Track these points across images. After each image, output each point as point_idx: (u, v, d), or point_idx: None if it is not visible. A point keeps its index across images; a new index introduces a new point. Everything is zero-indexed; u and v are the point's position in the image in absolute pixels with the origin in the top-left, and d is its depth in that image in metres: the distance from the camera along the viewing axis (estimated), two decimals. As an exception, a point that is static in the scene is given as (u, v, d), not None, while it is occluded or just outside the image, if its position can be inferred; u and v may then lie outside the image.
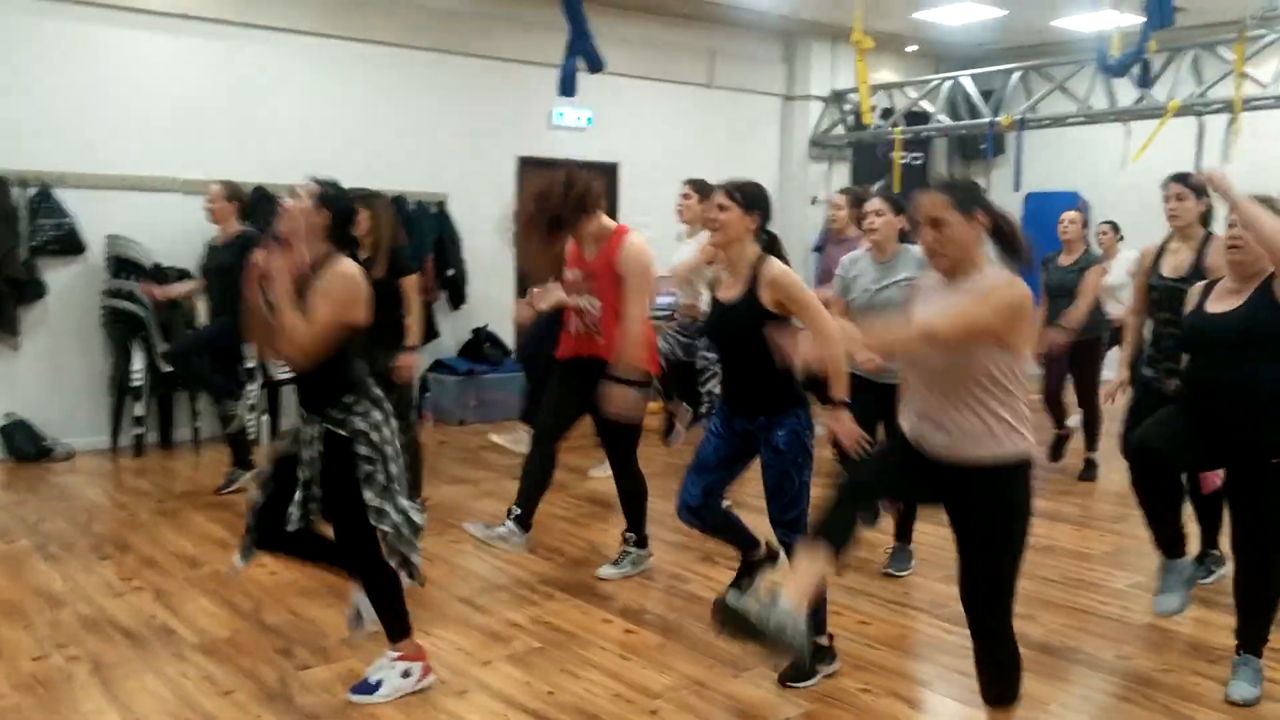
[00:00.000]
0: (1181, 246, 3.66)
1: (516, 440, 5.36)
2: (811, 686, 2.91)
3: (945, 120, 8.39)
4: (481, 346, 7.36)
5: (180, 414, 6.32)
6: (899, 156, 8.27)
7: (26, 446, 5.77)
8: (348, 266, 2.70)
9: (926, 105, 8.58)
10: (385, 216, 4.26)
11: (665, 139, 8.21)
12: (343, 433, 2.65)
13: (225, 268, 4.65)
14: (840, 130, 9.01)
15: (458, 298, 7.35)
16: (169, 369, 5.76)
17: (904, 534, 3.95)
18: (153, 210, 6.10)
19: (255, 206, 5.72)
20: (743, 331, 2.85)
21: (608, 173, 7.83)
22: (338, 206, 2.76)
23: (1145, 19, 5.28)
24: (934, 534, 4.40)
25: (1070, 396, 5.55)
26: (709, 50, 8.53)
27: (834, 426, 2.94)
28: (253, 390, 6.14)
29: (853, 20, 6.22)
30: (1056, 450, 5.59)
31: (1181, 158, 6.24)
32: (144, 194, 6.14)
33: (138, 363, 5.93)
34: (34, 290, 5.81)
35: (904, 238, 3.48)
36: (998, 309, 2.11)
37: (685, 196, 5.10)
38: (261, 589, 3.68)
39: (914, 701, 2.89)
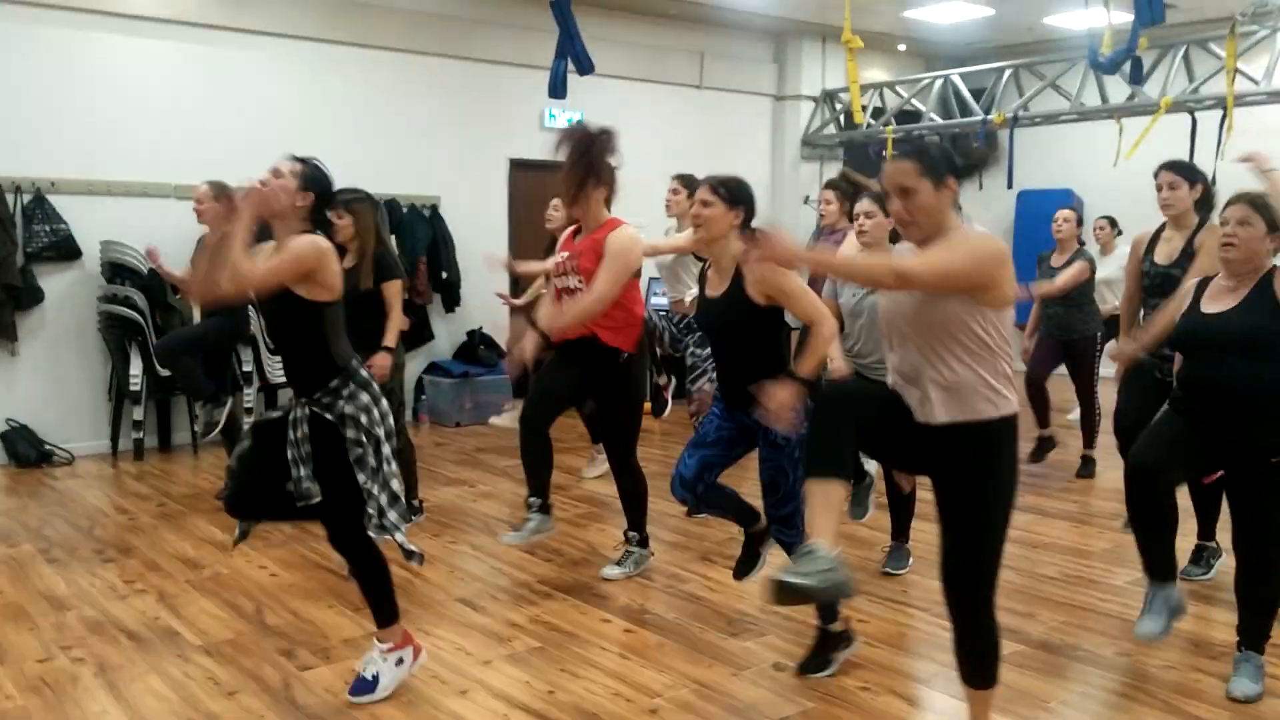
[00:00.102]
0: (1175, 234, 3.62)
1: (514, 418, 5.39)
2: (832, 674, 2.95)
3: (937, 119, 8.42)
4: (476, 349, 7.39)
5: (179, 418, 6.34)
6: (891, 156, 8.30)
7: (27, 452, 5.79)
8: (318, 238, 2.65)
9: (918, 104, 8.62)
10: (368, 220, 4.25)
11: (656, 140, 8.22)
12: (329, 417, 2.64)
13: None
14: (831, 130, 9.04)
15: (452, 300, 7.37)
16: (163, 371, 5.76)
17: (901, 532, 3.98)
18: (147, 215, 6.12)
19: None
20: (732, 326, 2.87)
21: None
22: (321, 189, 2.73)
23: (1135, 16, 5.31)
24: (931, 532, 4.41)
25: (1064, 396, 5.56)
26: (699, 51, 8.56)
27: (773, 393, 2.80)
28: (249, 394, 6.17)
29: (842, 20, 6.24)
30: (1039, 452, 5.50)
31: (1174, 155, 6.25)
32: (138, 199, 6.16)
33: (136, 367, 5.94)
34: (31, 296, 5.83)
35: (896, 238, 3.51)
36: (972, 256, 2.05)
37: (674, 192, 5.13)
38: (263, 591, 3.71)
39: (913, 699, 2.92)
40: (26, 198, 5.82)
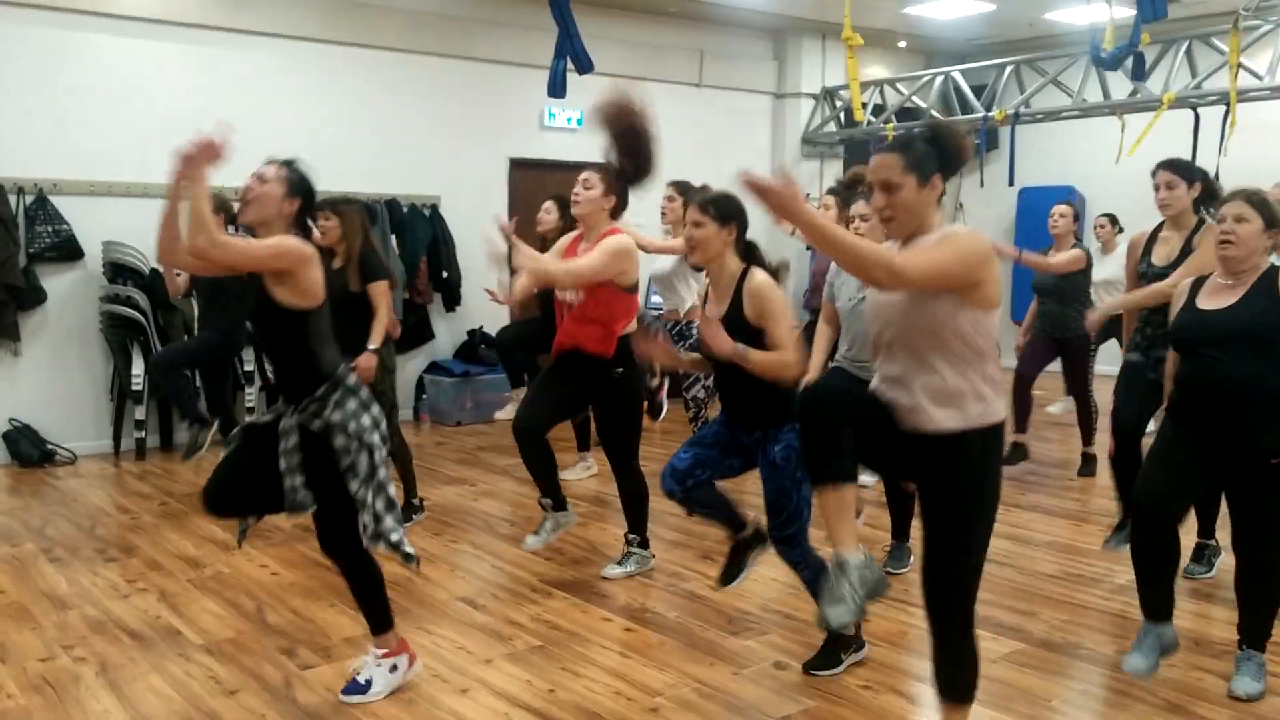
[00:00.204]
0: (1172, 234, 3.56)
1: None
2: (838, 674, 2.95)
3: (938, 116, 8.39)
4: (476, 348, 7.39)
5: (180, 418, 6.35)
6: (877, 149, 8.28)
7: (29, 451, 5.80)
8: (303, 241, 2.62)
9: (919, 101, 8.60)
10: (355, 222, 4.25)
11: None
12: (316, 426, 2.61)
13: (214, 281, 4.62)
14: (832, 128, 9.03)
15: (452, 300, 7.37)
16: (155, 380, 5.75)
17: (902, 531, 3.98)
18: (149, 216, 6.01)
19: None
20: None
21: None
22: (306, 192, 2.69)
23: (1137, 11, 5.30)
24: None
25: (1045, 385, 5.49)
26: (698, 49, 8.55)
27: (708, 330, 2.78)
28: (250, 393, 6.19)
29: (842, 17, 6.24)
30: (1010, 458, 5.35)
31: (1177, 150, 6.20)
32: (140, 200, 6.17)
33: (138, 367, 5.95)
34: (34, 297, 5.84)
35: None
36: (960, 254, 1.99)
37: (669, 199, 5.11)
38: (264, 590, 3.71)
39: (914, 697, 2.92)
40: (29, 198, 5.83)
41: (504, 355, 5.62)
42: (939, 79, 8.45)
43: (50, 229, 5.85)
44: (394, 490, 2.74)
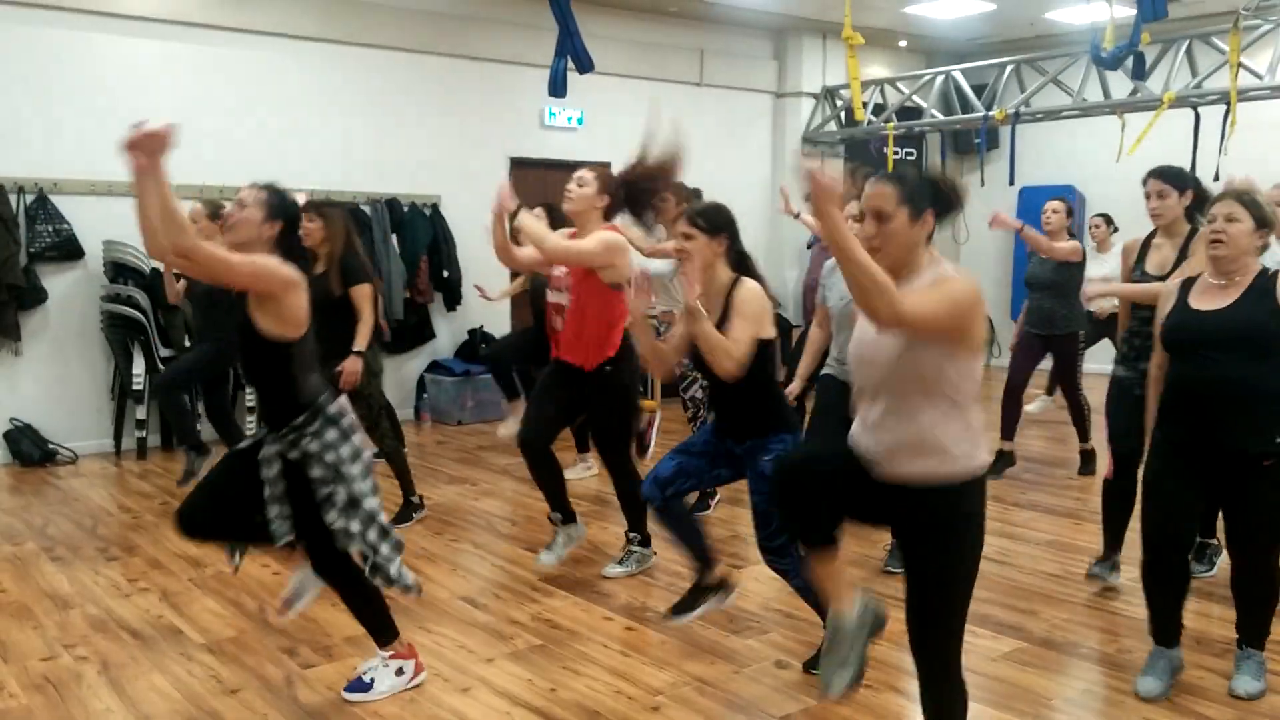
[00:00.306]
0: (1165, 242, 3.51)
1: (519, 417, 5.40)
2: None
3: (938, 115, 8.41)
4: (477, 347, 7.40)
5: (181, 417, 6.35)
6: (892, 152, 8.29)
7: (31, 451, 5.81)
8: (291, 268, 2.58)
9: (919, 100, 8.60)
10: (338, 225, 4.24)
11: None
12: (294, 455, 2.59)
13: (211, 291, 4.60)
14: (832, 127, 9.03)
15: (453, 299, 7.38)
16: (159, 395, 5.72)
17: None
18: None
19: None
20: None
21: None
22: (287, 214, 2.65)
23: (1138, 10, 5.29)
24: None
25: (1033, 396, 5.46)
26: (699, 48, 8.55)
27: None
28: (250, 394, 6.19)
29: (843, 16, 6.23)
30: (996, 467, 5.27)
31: (1178, 150, 6.26)
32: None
33: (138, 366, 5.96)
34: (34, 296, 5.84)
35: None
36: (954, 301, 1.94)
37: (661, 200, 5.10)
38: (266, 589, 3.72)
39: (914, 696, 2.87)
40: (29, 198, 5.84)
41: (494, 370, 5.61)
42: (939, 78, 8.45)
43: (51, 228, 5.86)
44: (385, 517, 2.70)
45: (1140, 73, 6.41)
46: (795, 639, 3.24)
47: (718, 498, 4.78)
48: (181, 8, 6.27)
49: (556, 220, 4.65)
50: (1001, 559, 4.10)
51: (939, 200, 2.05)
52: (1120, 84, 7.24)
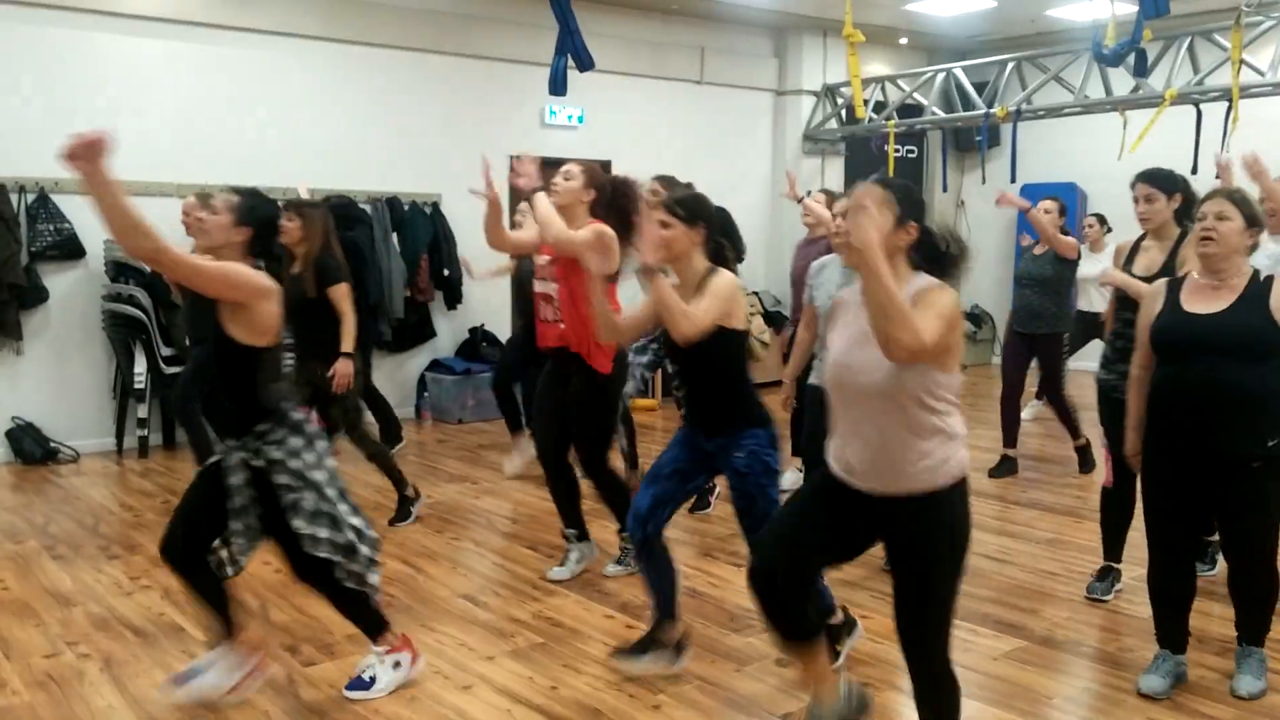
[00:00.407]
0: (1154, 245, 3.47)
1: (523, 452, 5.42)
2: (839, 667, 2.94)
3: (939, 113, 8.40)
4: (478, 346, 7.40)
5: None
6: (893, 150, 8.28)
7: (33, 449, 5.81)
8: (261, 275, 2.56)
9: (920, 98, 8.59)
10: (317, 226, 4.22)
11: (657, 136, 8.24)
12: (258, 463, 2.57)
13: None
14: (833, 125, 9.02)
15: (454, 298, 7.38)
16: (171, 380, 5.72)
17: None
18: (151, 214, 6.01)
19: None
20: (696, 349, 2.75)
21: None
22: (259, 219, 2.62)
23: (1139, 7, 5.28)
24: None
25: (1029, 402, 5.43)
26: (699, 46, 8.55)
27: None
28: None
29: (843, 14, 6.23)
30: (1000, 469, 5.38)
31: (1179, 147, 6.26)
32: (141, 198, 6.14)
33: (140, 365, 5.96)
34: (36, 295, 5.85)
35: None
36: (946, 320, 1.95)
37: (654, 193, 5.08)
38: (268, 587, 3.72)
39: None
40: (30, 197, 5.84)
41: (499, 400, 5.53)
42: (940, 76, 8.44)
43: (52, 227, 5.86)
44: (360, 519, 2.68)
45: (1142, 70, 6.40)
46: (796, 637, 3.24)
47: (716, 491, 4.77)
48: (182, 7, 6.27)
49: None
50: (1002, 558, 4.10)
51: (918, 215, 2.06)
52: (1122, 81, 7.24)
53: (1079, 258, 5.26)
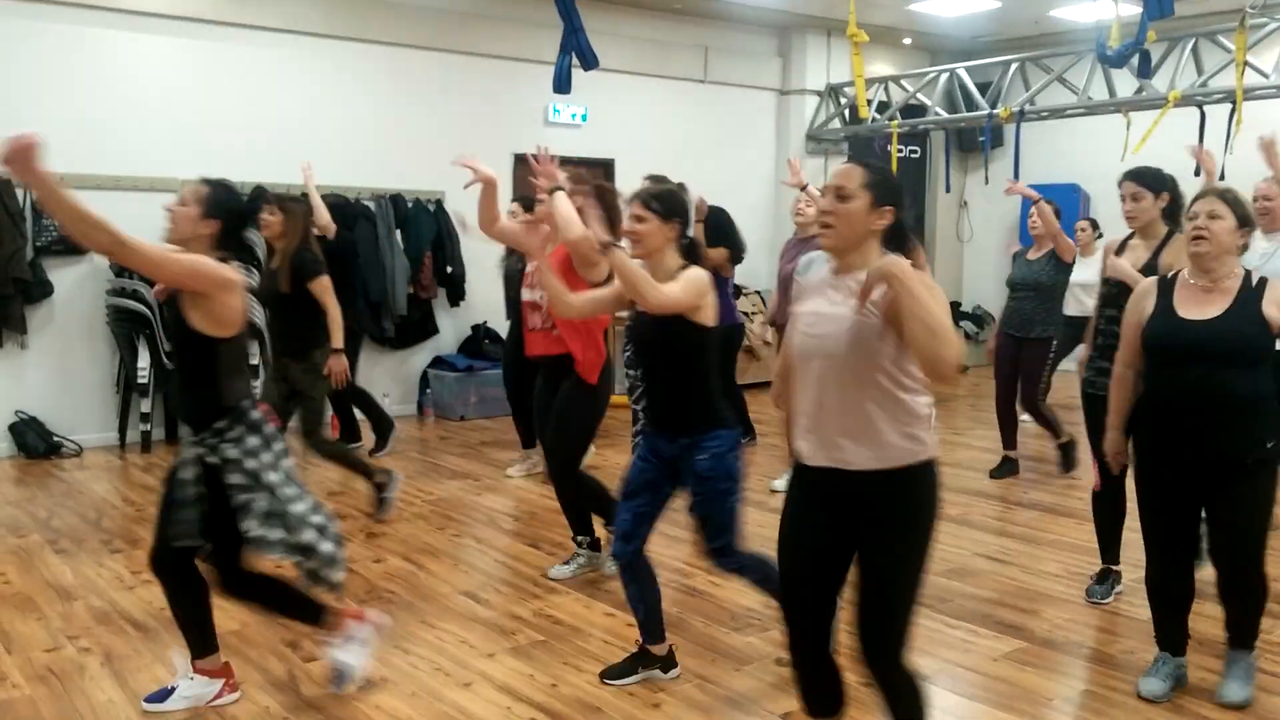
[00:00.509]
0: (1140, 244, 3.45)
1: (532, 466, 5.42)
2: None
3: (942, 113, 8.40)
4: (481, 343, 7.40)
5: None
6: (897, 150, 8.28)
7: (36, 443, 5.83)
8: (227, 267, 2.53)
9: (923, 98, 8.59)
10: (296, 224, 4.18)
11: (660, 135, 8.24)
12: (213, 460, 2.53)
13: None
14: (836, 124, 9.02)
15: (456, 295, 7.39)
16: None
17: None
18: (155, 211, 6.07)
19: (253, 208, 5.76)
20: (662, 344, 2.75)
21: (603, 169, 7.86)
22: (227, 212, 2.59)
23: (1143, 8, 5.28)
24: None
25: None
26: (703, 45, 8.55)
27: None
28: (256, 386, 6.20)
29: (847, 14, 6.23)
30: (1001, 470, 5.39)
31: (1182, 149, 6.23)
32: (146, 194, 6.17)
33: (143, 360, 5.97)
34: (40, 290, 5.86)
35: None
36: (940, 303, 1.92)
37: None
38: (269, 584, 3.73)
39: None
40: (34, 193, 5.84)
41: (515, 416, 5.50)
42: (944, 76, 8.43)
43: (56, 222, 5.87)
44: (321, 517, 2.64)
45: (1145, 71, 6.40)
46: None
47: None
48: (187, 4, 6.28)
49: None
50: (1003, 558, 4.10)
51: (899, 201, 2.05)
52: (1125, 82, 7.22)
53: (1074, 262, 5.26)
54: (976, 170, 9.76)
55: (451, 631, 3.32)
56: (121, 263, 2.40)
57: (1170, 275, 2.81)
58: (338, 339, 4.21)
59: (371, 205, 6.90)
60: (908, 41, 9.39)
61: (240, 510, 2.52)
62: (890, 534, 2.03)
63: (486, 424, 6.92)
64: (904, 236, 2.06)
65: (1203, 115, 6.69)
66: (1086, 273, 5.75)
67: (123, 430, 6.14)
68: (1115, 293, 3.42)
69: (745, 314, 7.51)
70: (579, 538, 3.85)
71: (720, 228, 6.41)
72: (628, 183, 3.76)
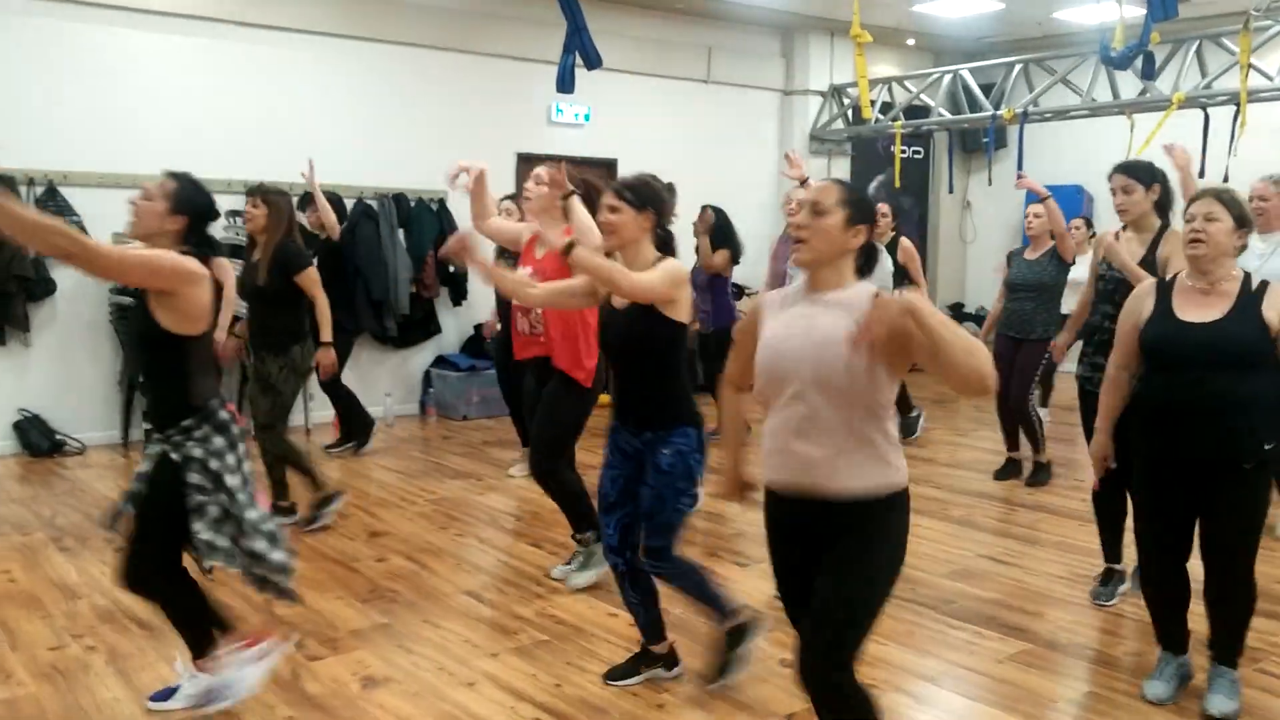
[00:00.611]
0: (1134, 238, 3.43)
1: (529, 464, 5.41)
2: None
3: (946, 114, 8.39)
4: (483, 342, 7.40)
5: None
6: (900, 151, 8.28)
7: (39, 441, 5.83)
8: (191, 260, 2.47)
9: (927, 99, 8.59)
10: (279, 217, 4.11)
11: (663, 135, 8.24)
12: (176, 457, 2.48)
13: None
14: (839, 125, 9.02)
15: (459, 294, 7.39)
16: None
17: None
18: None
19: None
20: (634, 338, 2.72)
21: (606, 168, 7.86)
22: (194, 208, 2.54)
23: (1147, 10, 5.28)
24: (939, 529, 4.44)
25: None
26: (706, 45, 8.55)
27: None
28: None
29: (851, 14, 6.23)
30: (1003, 472, 5.39)
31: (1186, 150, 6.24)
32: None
33: (145, 359, 5.98)
34: (43, 288, 5.87)
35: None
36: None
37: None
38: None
39: (920, 696, 2.92)
40: (39, 190, 5.86)
41: (513, 419, 5.50)
42: (947, 77, 8.43)
43: (60, 220, 5.87)
44: (272, 525, 2.59)
45: (1149, 73, 6.39)
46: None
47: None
48: (192, 2, 6.28)
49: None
50: (1006, 560, 4.10)
51: (870, 220, 2.09)
52: (1129, 84, 7.22)
53: (1073, 263, 5.26)
54: (980, 171, 9.76)
55: (454, 631, 3.32)
56: (85, 268, 2.33)
57: (1169, 277, 2.80)
58: (326, 332, 4.15)
59: (374, 204, 6.90)
60: (911, 42, 9.39)
61: (194, 512, 2.47)
62: (862, 562, 2.00)
63: (489, 423, 6.92)
64: (875, 259, 2.10)
65: (1206, 117, 6.68)
66: (1080, 271, 5.75)
67: (125, 428, 6.14)
68: (1112, 289, 3.40)
69: (745, 314, 7.52)
70: (576, 535, 3.85)
71: (721, 229, 6.41)
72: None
